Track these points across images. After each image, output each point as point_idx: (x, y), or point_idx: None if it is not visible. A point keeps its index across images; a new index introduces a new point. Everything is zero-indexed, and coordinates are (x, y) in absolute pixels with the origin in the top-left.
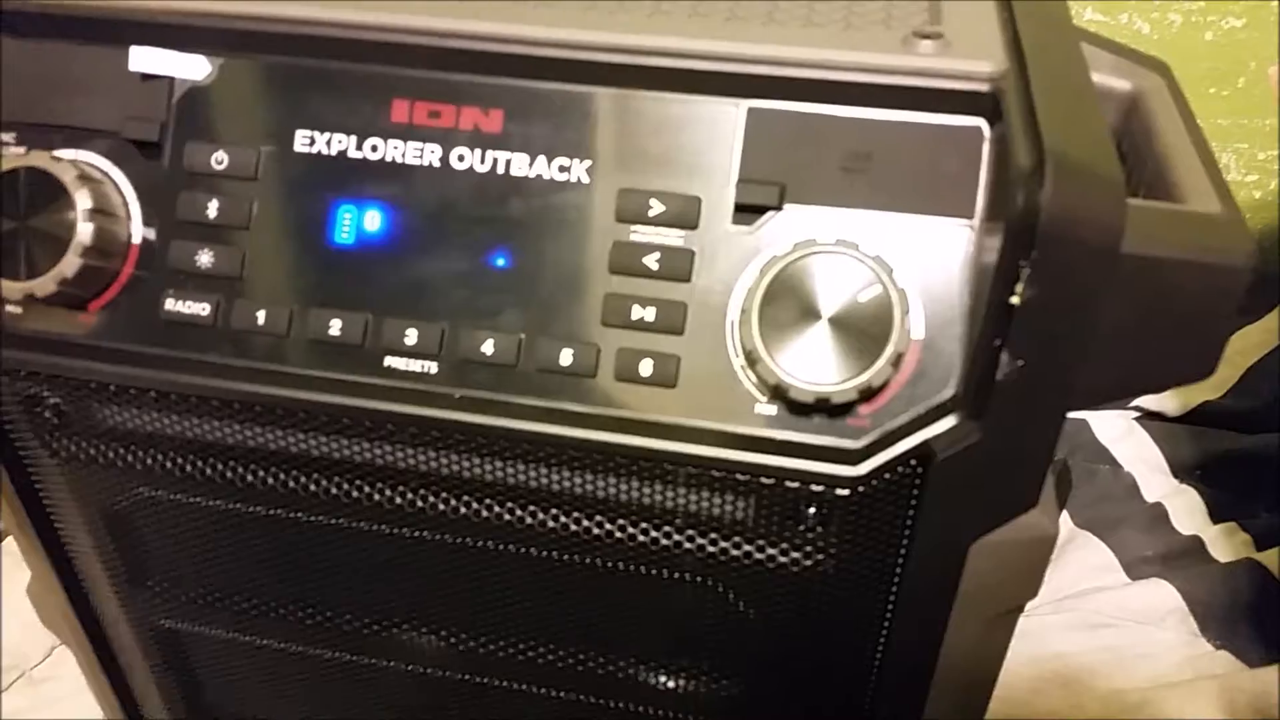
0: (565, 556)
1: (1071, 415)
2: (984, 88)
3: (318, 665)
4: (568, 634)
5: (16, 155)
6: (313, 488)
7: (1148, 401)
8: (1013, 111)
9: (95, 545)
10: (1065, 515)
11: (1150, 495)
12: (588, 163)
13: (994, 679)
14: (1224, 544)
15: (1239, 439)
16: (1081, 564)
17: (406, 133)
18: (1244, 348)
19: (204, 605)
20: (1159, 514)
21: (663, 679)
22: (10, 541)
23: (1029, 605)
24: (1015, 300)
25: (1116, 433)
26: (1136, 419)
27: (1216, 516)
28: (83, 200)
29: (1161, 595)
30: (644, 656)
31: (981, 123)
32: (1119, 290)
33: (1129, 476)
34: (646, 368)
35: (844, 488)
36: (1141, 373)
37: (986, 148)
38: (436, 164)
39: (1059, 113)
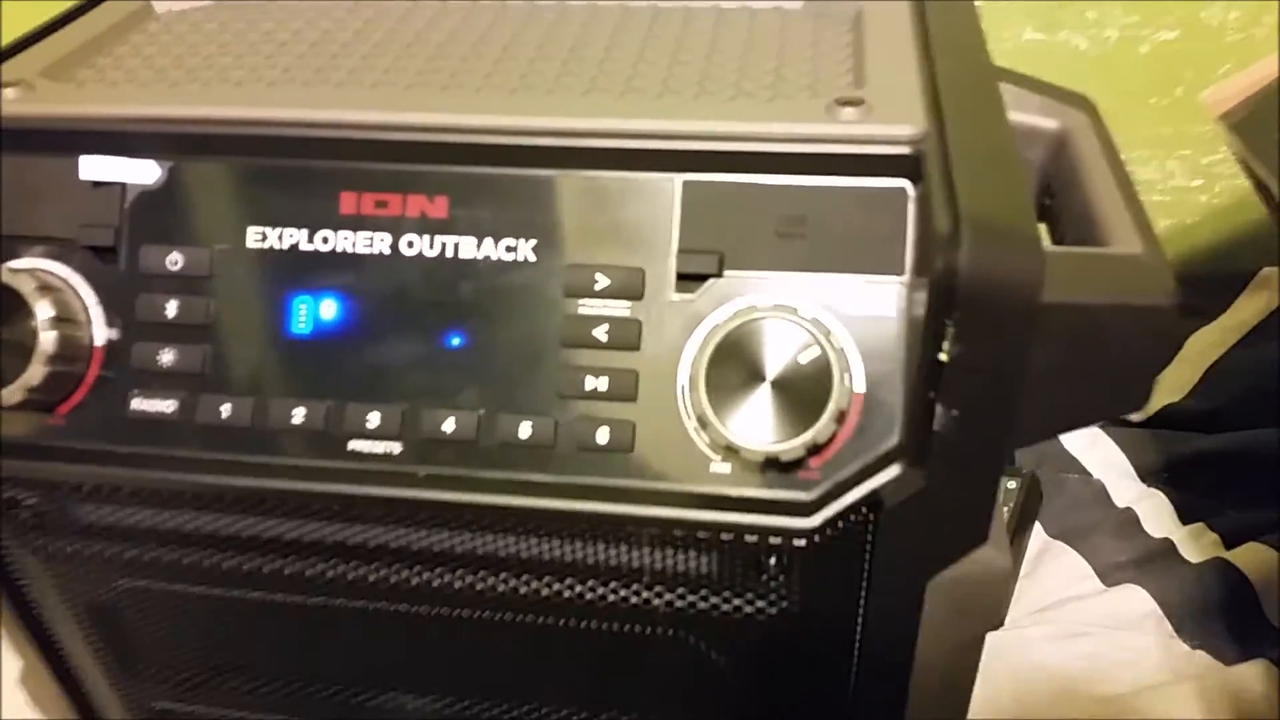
0: (540, 619)
1: None
2: (905, 150)
3: None
4: (548, 692)
5: None
6: (289, 569)
7: None
8: (932, 174)
9: (83, 635)
10: (1038, 526)
11: (1120, 500)
12: (533, 241)
13: (968, 697)
14: (1193, 545)
15: (1203, 439)
16: (1057, 574)
17: (356, 223)
18: (1203, 348)
19: (194, 686)
20: (1129, 519)
21: None
22: None
23: (1010, 619)
24: (943, 357)
25: (1083, 441)
26: (1101, 426)
27: (1185, 518)
28: (43, 310)
29: (1136, 600)
30: (624, 710)
31: (905, 183)
32: (1045, 337)
33: (1098, 484)
34: (603, 435)
35: (800, 538)
36: (1076, 412)
37: (911, 207)
38: (387, 252)
39: (975, 171)
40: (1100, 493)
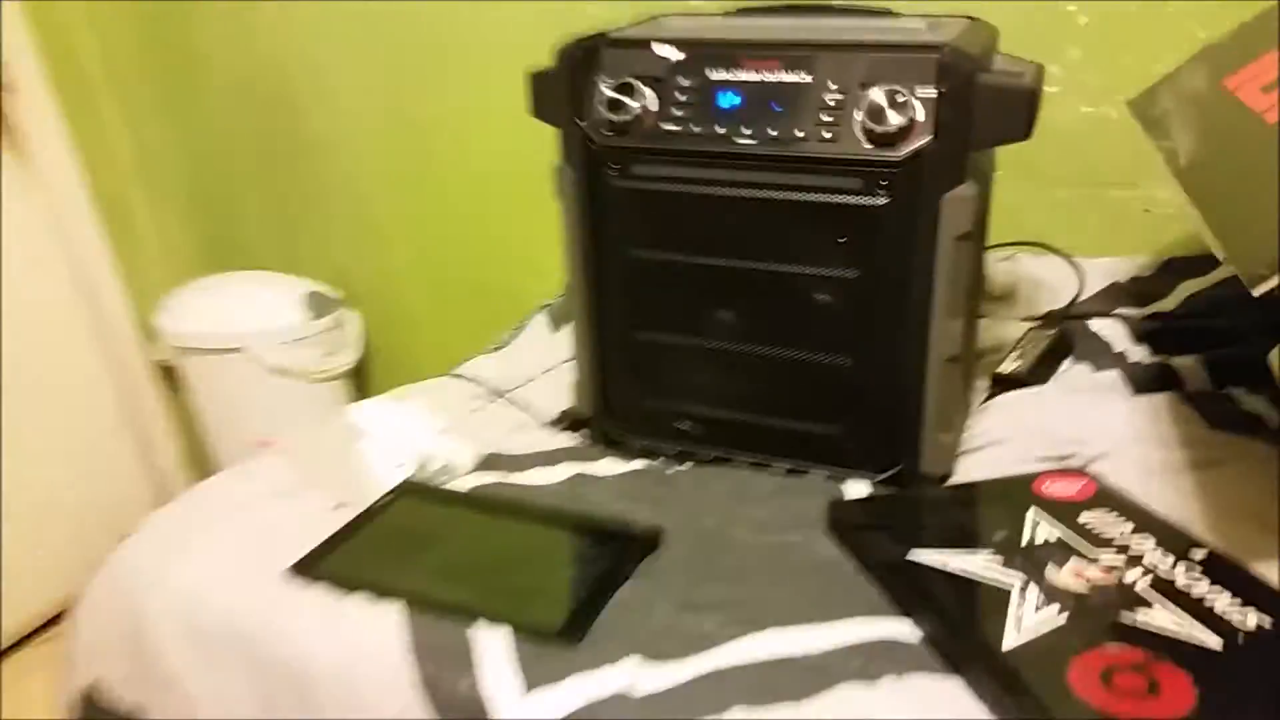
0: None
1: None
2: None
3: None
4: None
5: None
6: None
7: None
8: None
9: None
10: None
11: (1117, 348)
12: None
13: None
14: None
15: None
16: (1074, 375)
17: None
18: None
19: None
20: (1117, 351)
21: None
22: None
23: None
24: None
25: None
26: (1111, 316)
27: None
28: None
29: (1112, 377)
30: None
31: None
32: (980, 102)
33: (1105, 341)
34: None
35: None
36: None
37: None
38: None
39: (972, 47)
40: (1108, 345)
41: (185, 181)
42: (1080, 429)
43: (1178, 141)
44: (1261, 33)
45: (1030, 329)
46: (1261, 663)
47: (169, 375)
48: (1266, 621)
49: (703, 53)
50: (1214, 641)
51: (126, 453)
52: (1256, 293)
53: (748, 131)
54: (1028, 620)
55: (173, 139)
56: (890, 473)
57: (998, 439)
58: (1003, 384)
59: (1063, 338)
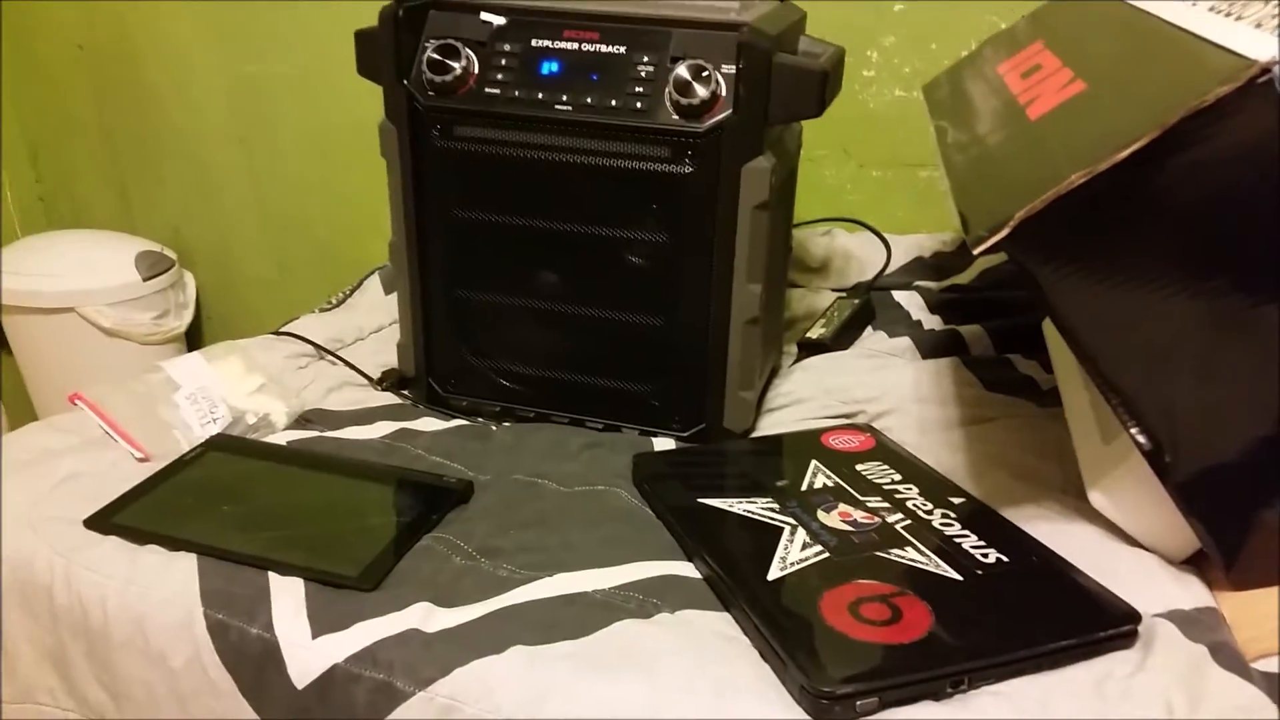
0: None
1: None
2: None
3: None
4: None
5: None
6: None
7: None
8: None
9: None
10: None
11: (915, 317)
12: None
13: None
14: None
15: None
16: (875, 342)
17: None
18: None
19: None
20: (916, 320)
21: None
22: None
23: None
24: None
25: (901, 294)
26: (913, 287)
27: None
28: None
29: (904, 343)
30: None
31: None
32: (777, 80)
33: (905, 311)
34: None
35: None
36: (789, 114)
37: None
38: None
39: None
40: (906, 314)
41: (16, 134)
42: (869, 389)
43: (949, 121)
44: (1035, 25)
45: (837, 298)
46: (993, 592)
47: None
48: (1004, 558)
49: (526, 20)
50: (955, 575)
51: None
52: (976, 252)
53: (566, 99)
54: (792, 556)
55: (4, 90)
56: (695, 430)
57: (799, 399)
58: (808, 348)
59: (866, 307)
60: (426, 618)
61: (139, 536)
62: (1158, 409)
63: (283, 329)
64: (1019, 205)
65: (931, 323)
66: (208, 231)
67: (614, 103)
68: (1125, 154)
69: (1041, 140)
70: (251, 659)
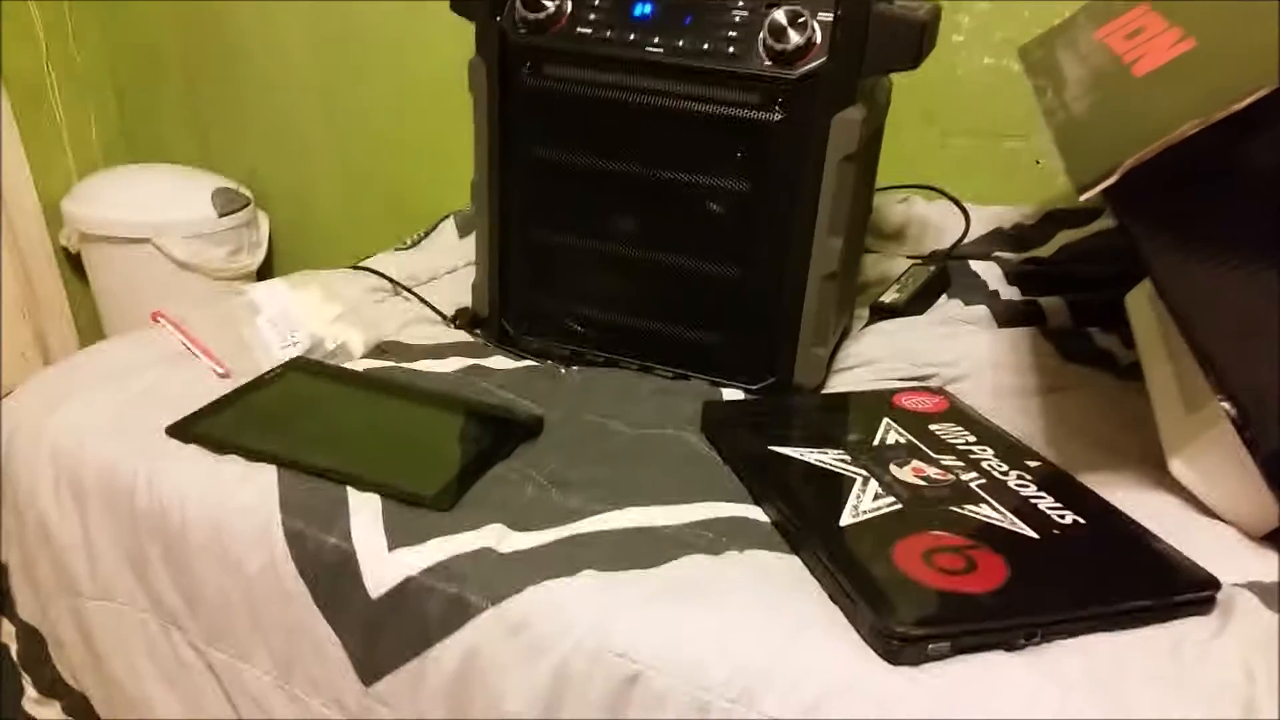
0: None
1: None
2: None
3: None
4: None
5: None
6: None
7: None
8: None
9: None
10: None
11: (991, 286)
12: None
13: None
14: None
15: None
16: (949, 307)
17: None
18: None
19: None
20: (992, 289)
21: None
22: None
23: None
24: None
25: (979, 264)
26: (991, 258)
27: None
28: None
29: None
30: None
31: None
32: (874, 29)
33: (983, 281)
34: None
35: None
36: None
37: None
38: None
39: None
40: (984, 284)
41: (104, 71)
42: (943, 353)
43: (1050, 80)
44: None
45: (913, 265)
46: (1070, 552)
47: (73, 263)
48: (1081, 520)
49: None
50: (1031, 533)
51: (21, 339)
52: (1083, 198)
53: (658, 40)
54: (864, 505)
55: (93, 27)
56: (765, 383)
57: (869, 360)
58: (881, 312)
59: (941, 274)
60: (500, 539)
61: (220, 446)
62: (1249, 379)
63: (361, 264)
64: (1128, 154)
65: (1009, 293)
66: (284, 175)
67: (706, 46)
68: (1240, 105)
69: (1149, 95)
70: (328, 567)
